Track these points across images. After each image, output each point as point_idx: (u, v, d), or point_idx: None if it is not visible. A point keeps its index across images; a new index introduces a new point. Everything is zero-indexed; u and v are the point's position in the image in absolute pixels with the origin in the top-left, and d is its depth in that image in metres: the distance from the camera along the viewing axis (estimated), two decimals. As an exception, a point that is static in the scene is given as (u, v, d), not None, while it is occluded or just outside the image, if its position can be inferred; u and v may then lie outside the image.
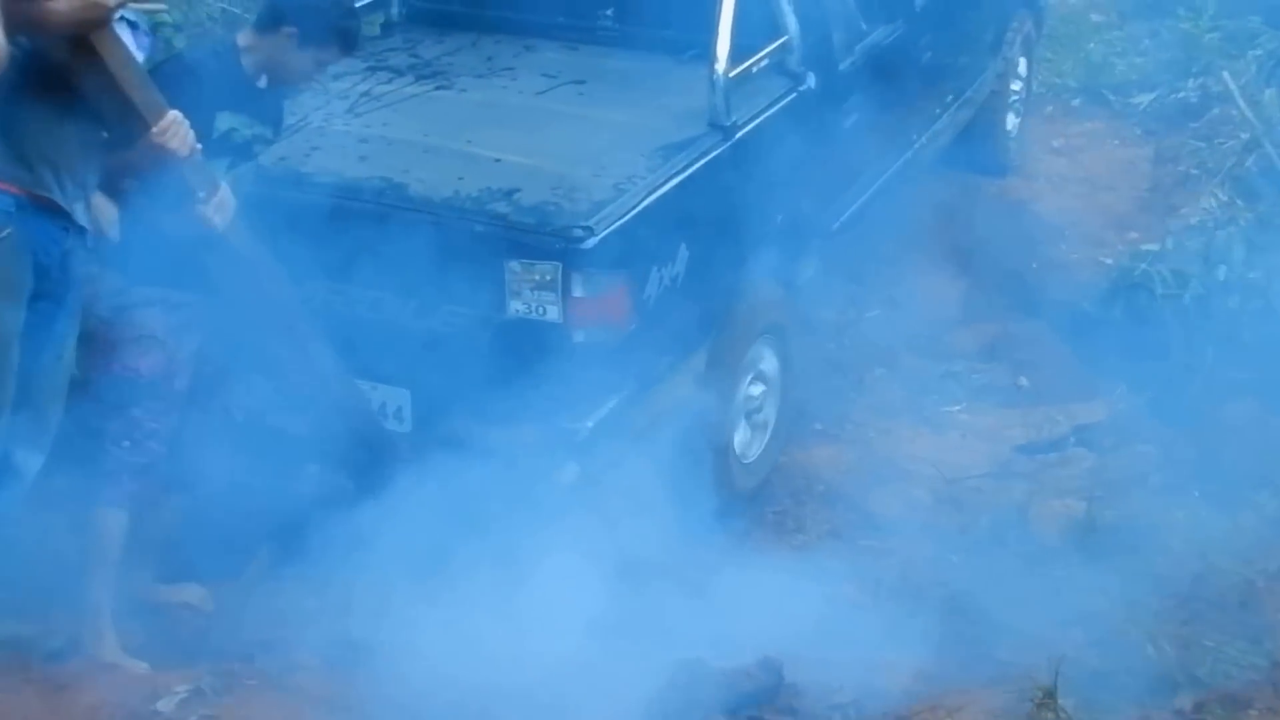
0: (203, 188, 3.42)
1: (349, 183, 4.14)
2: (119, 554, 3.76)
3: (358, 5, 5.28)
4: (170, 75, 3.62)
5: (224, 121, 3.67)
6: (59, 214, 3.25)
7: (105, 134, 3.36)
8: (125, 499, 3.73)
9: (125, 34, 3.55)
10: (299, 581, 3.99)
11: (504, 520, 3.84)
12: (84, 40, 3.13)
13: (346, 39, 3.82)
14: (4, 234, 3.15)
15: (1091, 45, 8.18)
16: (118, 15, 3.44)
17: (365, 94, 4.63)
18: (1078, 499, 4.61)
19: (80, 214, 3.31)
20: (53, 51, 3.17)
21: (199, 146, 3.38)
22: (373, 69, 4.85)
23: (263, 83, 3.76)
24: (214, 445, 3.88)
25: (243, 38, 3.79)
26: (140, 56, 3.55)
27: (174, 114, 3.28)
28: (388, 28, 5.35)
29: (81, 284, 3.46)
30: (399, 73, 4.82)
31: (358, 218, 4.04)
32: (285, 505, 4.01)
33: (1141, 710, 3.36)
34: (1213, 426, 4.87)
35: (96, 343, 3.67)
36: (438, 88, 4.71)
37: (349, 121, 4.47)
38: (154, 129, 3.25)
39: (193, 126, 3.44)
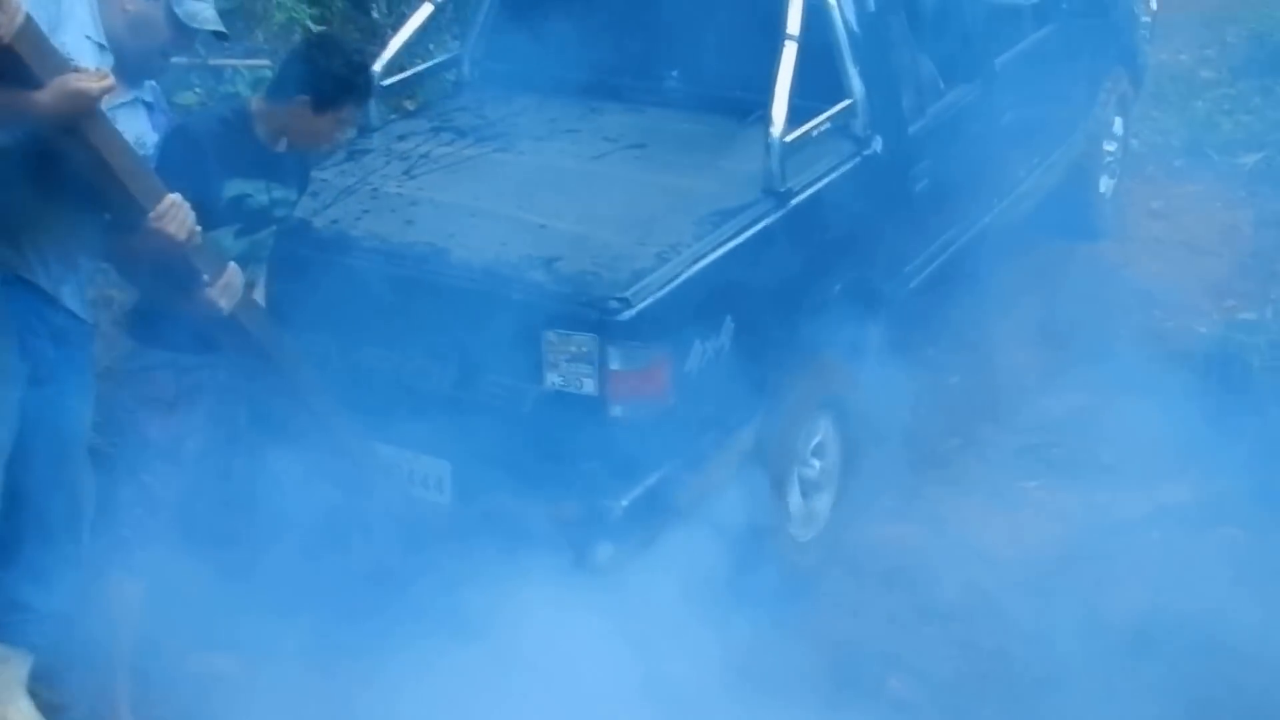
0: (208, 270, 3.36)
1: (394, 247, 4.11)
2: (137, 622, 3.74)
3: (431, 64, 5.47)
4: (177, 146, 3.56)
5: (233, 188, 3.60)
6: (43, 295, 3.21)
7: (106, 216, 3.31)
8: (140, 566, 3.66)
9: (141, 116, 3.54)
10: (333, 654, 3.89)
11: (540, 601, 3.67)
12: (74, 128, 3.08)
13: (360, 95, 3.75)
14: None
15: (1199, 103, 8.04)
16: (129, 98, 3.43)
17: (424, 156, 4.62)
18: (1151, 588, 4.47)
19: (68, 296, 3.28)
20: (42, 136, 3.12)
21: (199, 229, 3.29)
22: (437, 129, 4.86)
23: (281, 146, 3.68)
24: (242, 511, 3.84)
25: (255, 103, 3.73)
26: (155, 137, 3.53)
27: (172, 198, 3.22)
28: (458, 87, 5.32)
29: (86, 367, 3.45)
30: (461, 134, 4.80)
31: (402, 282, 3.98)
32: (321, 576, 3.90)
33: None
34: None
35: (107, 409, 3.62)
36: (497, 150, 4.66)
37: (404, 184, 4.45)
38: (151, 214, 3.18)
39: (203, 195, 3.39)
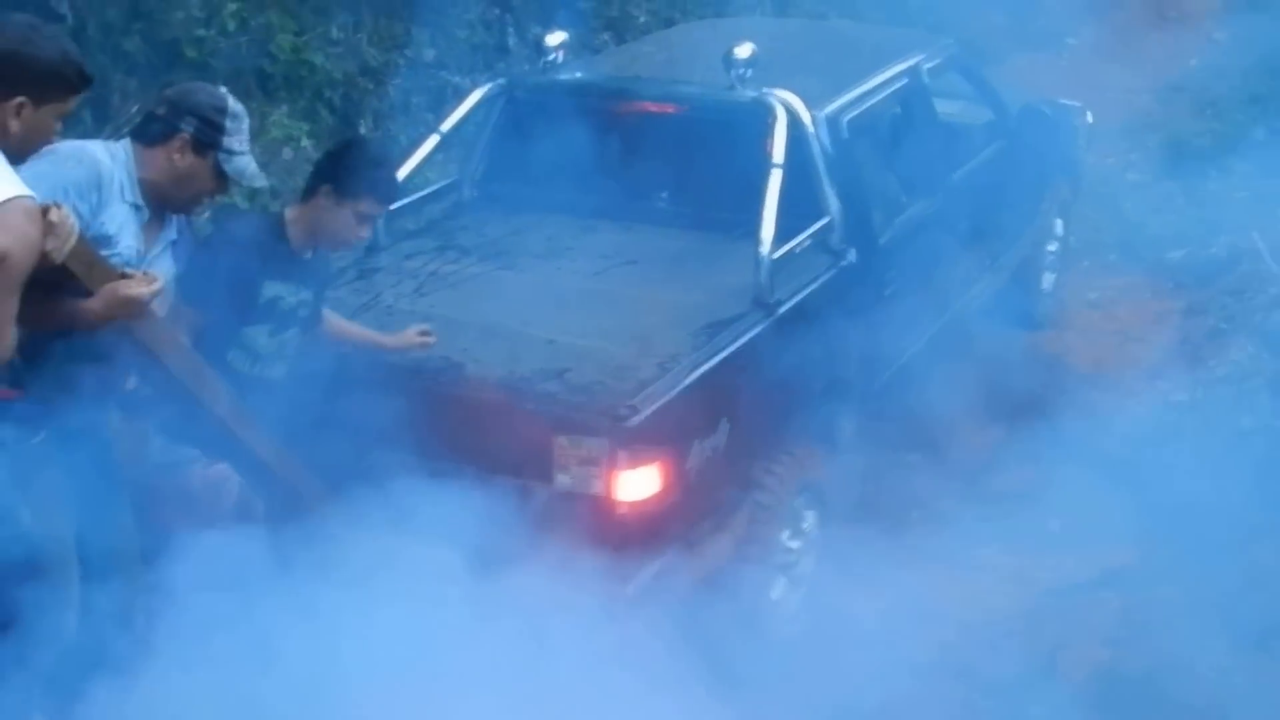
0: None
1: (411, 362, 4.12)
2: None
3: (438, 187, 5.47)
4: (223, 248, 3.68)
5: (270, 290, 3.71)
6: None
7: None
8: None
9: (168, 258, 3.56)
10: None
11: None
12: (125, 328, 3.21)
13: (382, 191, 3.84)
14: None
15: (1127, 203, 8.18)
16: (161, 247, 3.52)
17: (433, 273, 4.66)
18: (1104, 645, 4.54)
19: None
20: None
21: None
22: (442, 248, 4.89)
23: (308, 253, 3.81)
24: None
25: (289, 211, 3.85)
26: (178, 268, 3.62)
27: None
28: (459, 207, 5.35)
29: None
30: (466, 252, 4.85)
31: (420, 396, 4.01)
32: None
33: None
34: (1240, 570, 4.73)
35: (142, 508, 3.61)
36: (500, 268, 4.70)
37: (415, 301, 4.49)
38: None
39: (244, 295, 3.56)
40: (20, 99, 3.00)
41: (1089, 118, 7.45)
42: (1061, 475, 5.52)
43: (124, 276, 3.15)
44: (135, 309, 3.16)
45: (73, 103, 3.12)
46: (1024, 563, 5.15)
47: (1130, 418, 5.96)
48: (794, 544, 4.65)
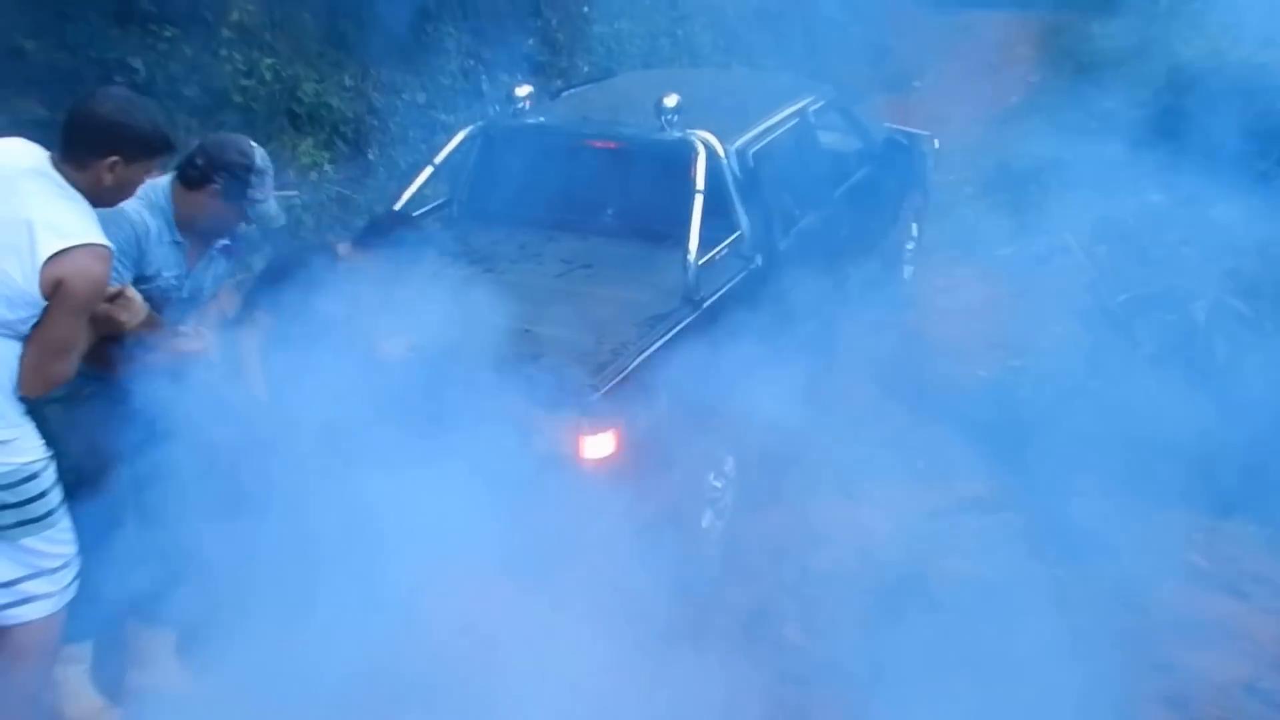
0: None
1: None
2: None
3: (434, 205, 5.32)
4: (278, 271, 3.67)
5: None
6: None
7: None
8: None
9: (219, 261, 3.51)
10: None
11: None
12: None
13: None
14: None
15: (965, 210, 8.19)
16: (206, 259, 3.45)
17: (431, 275, 4.48)
18: (963, 558, 4.54)
19: None
20: None
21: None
22: (437, 255, 4.61)
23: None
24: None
25: (343, 249, 3.79)
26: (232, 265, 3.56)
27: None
28: (449, 222, 5.27)
29: None
30: (456, 257, 4.74)
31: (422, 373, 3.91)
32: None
33: None
34: (1060, 496, 4.81)
35: None
36: (484, 270, 4.63)
37: (418, 297, 4.23)
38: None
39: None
40: (115, 158, 2.97)
41: (936, 144, 7.48)
42: (924, 425, 5.57)
43: (180, 333, 3.15)
44: (191, 360, 3.17)
45: (157, 163, 3.08)
46: (897, 494, 5.14)
47: (976, 379, 6.00)
48: (718, 484, 4.65)
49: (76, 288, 2.87)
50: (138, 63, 6.94)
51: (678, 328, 4.31)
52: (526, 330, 4.13)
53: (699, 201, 4.50)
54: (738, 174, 4.84)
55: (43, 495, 3.04)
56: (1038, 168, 7.97)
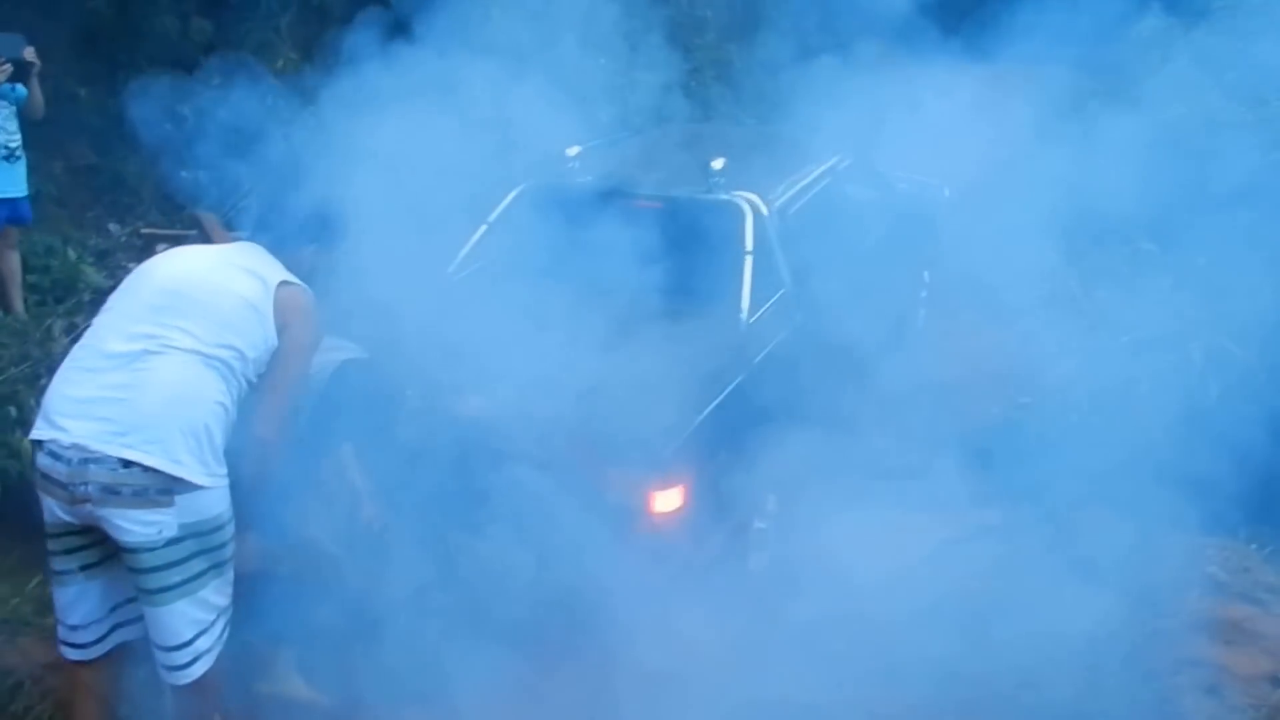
0: None
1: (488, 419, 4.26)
2: None
3: (480, 265, 5.52)
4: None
5: None
6: None
7: None
8: None
9: None
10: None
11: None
12: None
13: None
14: None
15: (972, 256, 8.15)
16: None
17: (494, 335, 4.66)
18: (980, 581, 4.92)
19: None
20: None
21: None
22: (498, 318, 4.81)
23: None
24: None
25: None
26: None
27: None
28: (501, 278, 5.40)
29: None
30: (510, 318, 4.78)
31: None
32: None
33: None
34: (1069, 524, 5.24)
35: None
36: (541, 329, 4.65)
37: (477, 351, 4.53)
38: None
39: None
40: (316, 245, 3.50)
41: (946, 192, 7.84)
42: (943, 457, 5.86)
43: None
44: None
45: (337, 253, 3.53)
46: (919, 521, 5.45)
47: (989, 415, 6.40)
48: (762, 525, 4.94)
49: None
50: (186, 110, 7.35)
51: (733, 384, 4.51)
52: (591, 389, 4.25)
53: (749, 262, 4.83)
54: (780, 233, 5.15)
55: (227, 543, 3.30)
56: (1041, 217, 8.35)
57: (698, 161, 5.34)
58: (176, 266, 3.41)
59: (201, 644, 3.32)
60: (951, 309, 7.90)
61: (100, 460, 3.13)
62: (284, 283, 3.42)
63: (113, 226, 8.74)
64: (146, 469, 3.14)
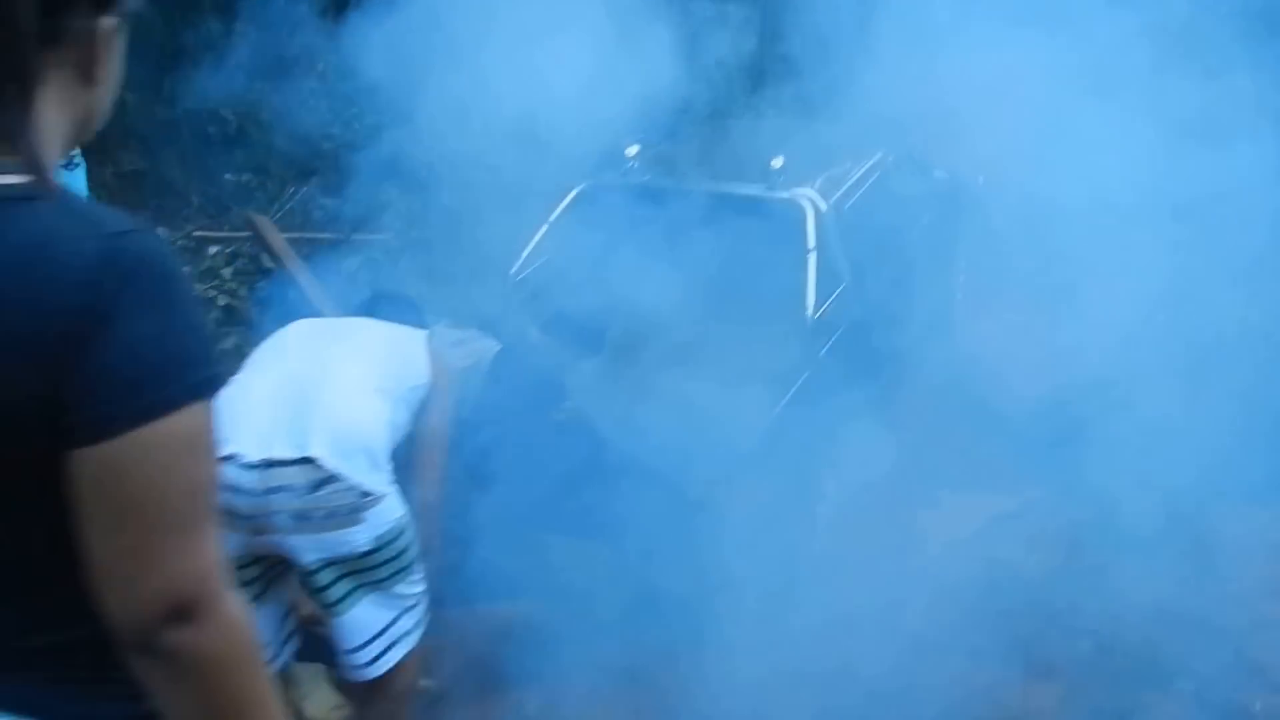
0: None
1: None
2: None
3: (543, 261, 5.65)
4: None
5: None
6: None
7: None
8: None
9: None
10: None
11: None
12: None
13: None
14: None
15: (1001, 242, 8.43)
16: None
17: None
18: (1029, 552, 5.25)
19: None
20: None
21: None
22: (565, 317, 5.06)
23: None
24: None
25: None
26: None
27: None
28: (564, 274, 5.47)
29: None
30: (578, 317, 5.01)
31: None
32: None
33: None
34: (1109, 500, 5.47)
35: None
36: (609, 328, 4.96)
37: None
38: None
39: None
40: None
41: (980, 180, 7.77)
42: (986, 439, 6.12)
43: None
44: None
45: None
46: (966, 500, 5.72)
47: (1027, 397, 6.26)
48: (823, 509, 5.22)
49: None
50: (229, 114, 7.56)
51: (801, 379, 4.74)
52: (690, 400, 4.33)
53: (813, 259, 5.03)
54: (838, 228, 5.32)
55: (410, 546, 3.42)
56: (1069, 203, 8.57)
57: (754, 158, 5.48)
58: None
59: (400, 626, 3.43)
60: (985, 293, 7.72)
61: (289, 488, 3.22)
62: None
63: (161, 230, 9.02)
64: (336, 488, 3.23)
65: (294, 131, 7.73)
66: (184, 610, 1.32)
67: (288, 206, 8.09)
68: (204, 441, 1.34)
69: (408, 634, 3.45)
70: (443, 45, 5.94)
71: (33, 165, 1.32)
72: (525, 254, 5.46)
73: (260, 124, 7.80)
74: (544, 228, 5.70)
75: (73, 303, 1.27)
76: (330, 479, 3.22)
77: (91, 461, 1.29)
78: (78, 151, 7.05)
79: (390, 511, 3.33)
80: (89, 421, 1.29)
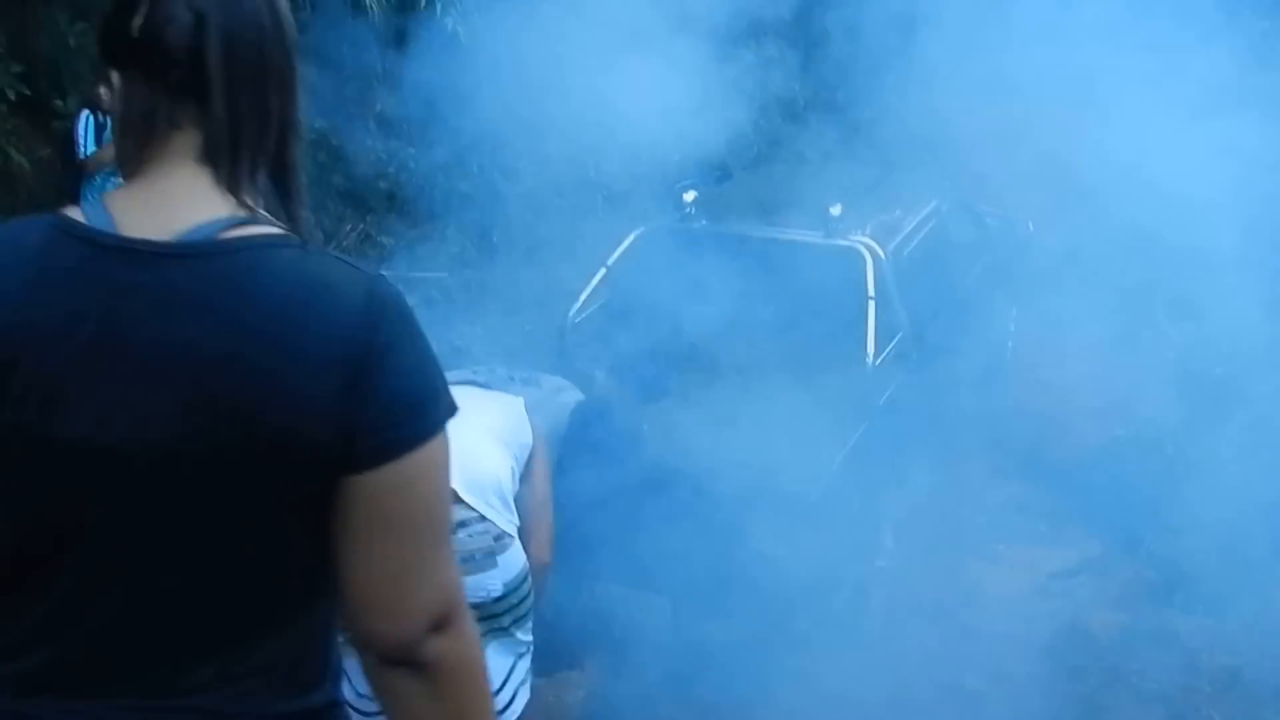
0: None
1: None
2: None
3: (604, 302, 5.60)
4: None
5: None
6: None
7: None
8: None
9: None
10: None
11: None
12: None
13: None
14: None
15: (1055, 289, 8.37)
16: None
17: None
18: (1087, 610, 5.13)
19: None
20: None
21: None
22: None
23: None
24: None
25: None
26: None
27: None
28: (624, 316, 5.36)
29: None
30: (635, 363, 4.75)
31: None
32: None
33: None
34: (1178, 555, 5.38)
35: None
36: (667, 376, 4.72)
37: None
38: None
39: None
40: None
41: (1030, 226, 7.97)
42: (1042, 491, 6.11)
43: None
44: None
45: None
46: (1026, 555, 5.66)
47: (1084, 447, 6.45)
48: (882, 563, 5.16)
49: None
50: None
51: (863, 428, 4.70)
52: (745, 446, 4.28)
53: (872, 307, 4.99)
54: (896, 275, 5.29)
55: (530, 594, 3.40)
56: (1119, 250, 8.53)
57: (812, 204, 5.44)
58: None
59: (518, 673, 3.40)
60: (1038, 341, 7.80)
61: None
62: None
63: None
64: (473, 531, 3.24)
65: (351, 170, 7.81)
66: (445, 619, 1.41)
67: (344, 244, 8.14)
68: (449, 460, 1.45)
69: (524, 683, 3.44)
70: (501, 88, 6.02)
71: (294, 219, 1.45)
72: (584, 296, 5.47)
73: (318, 161, 7.84)
74: (602, 271, 5.71)
75: (357, 337, 1.37)
76: (466, 522, 3.22)
77: (372, 484, 1.38)
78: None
79: (519, 556, 3.35)
80: (378, 446, 1.38)
